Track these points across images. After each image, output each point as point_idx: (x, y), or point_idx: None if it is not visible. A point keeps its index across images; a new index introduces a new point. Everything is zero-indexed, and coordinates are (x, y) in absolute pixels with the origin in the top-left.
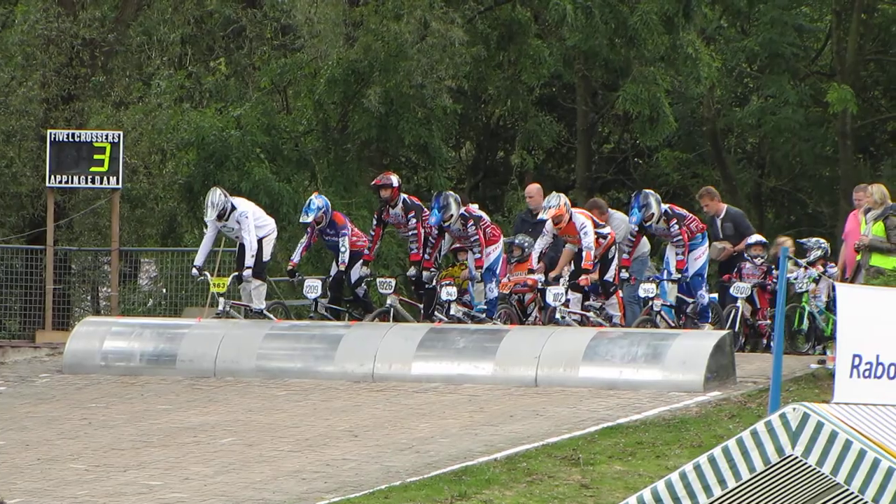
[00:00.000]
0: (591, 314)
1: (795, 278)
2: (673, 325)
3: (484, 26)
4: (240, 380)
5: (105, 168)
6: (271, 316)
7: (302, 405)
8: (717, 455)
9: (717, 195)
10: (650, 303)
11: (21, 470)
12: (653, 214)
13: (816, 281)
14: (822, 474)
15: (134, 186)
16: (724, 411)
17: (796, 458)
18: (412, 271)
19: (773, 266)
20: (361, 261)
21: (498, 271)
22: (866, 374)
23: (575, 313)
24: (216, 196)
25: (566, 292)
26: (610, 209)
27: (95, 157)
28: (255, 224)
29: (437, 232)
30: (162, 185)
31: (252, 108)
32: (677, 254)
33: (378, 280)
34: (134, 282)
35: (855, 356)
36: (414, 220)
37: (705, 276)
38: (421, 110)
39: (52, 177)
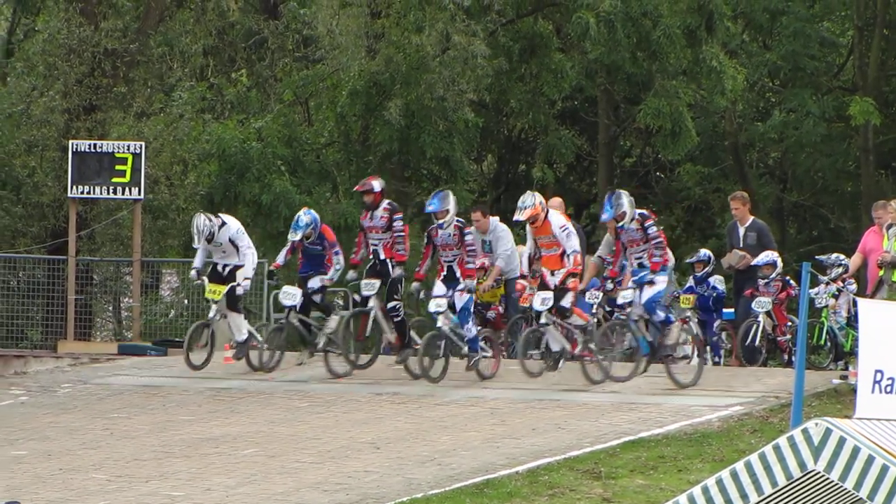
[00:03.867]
0: (576, 328)
1: (816, 294)
2: (699, 340)
3: (506, 39)
4: (262, 391)
5: (127, 179)
6: (257, 340)
7: (324, 416)
8: (739, 469)
9: (748, 203)
10: (627, 310)
11: (43, 479)
12: (624, 213)
13: (836, 297)
14: (845, 489)
15: (156, 197)
16: (746, 426)
17: (819, 472)
18: (398, 272)
19: (791, 280)
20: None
21: (471, 310)
22: (888, 389)
23: (560, 323)
24: (200, 221)
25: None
26: None
27: (117, 167)
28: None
29: (426, 241)
30: (184, 196)
31: (273, 120)
32: (654, 255)
33: (362, 282)
34: (156, 293)
35: (877, 371)
36: (399, 223)
37: (661, 302)
38: (442, 123)
39: (74, 187)
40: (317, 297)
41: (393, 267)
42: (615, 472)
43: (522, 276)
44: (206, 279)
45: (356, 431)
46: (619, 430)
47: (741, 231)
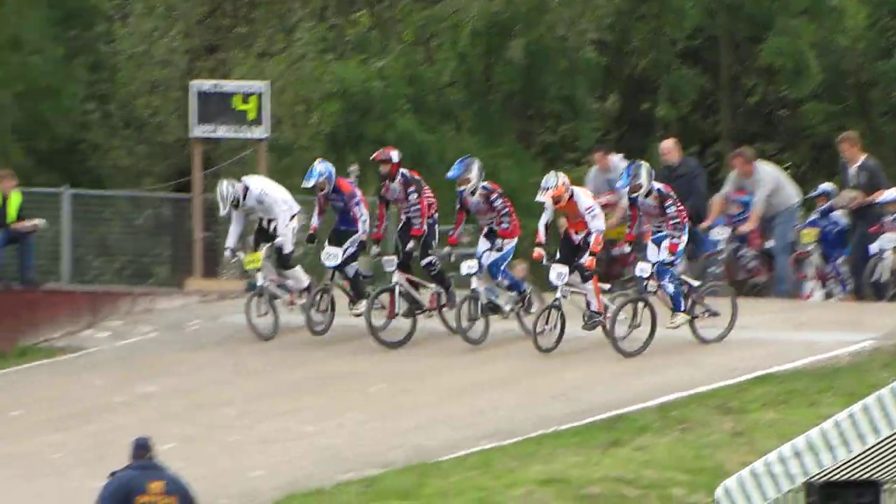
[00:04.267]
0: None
1: None
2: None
3: None
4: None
5: (251, 118)
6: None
7: (451, 353)
8: (870, 404)
9: (859, 143)
10: (645, 283)
11: (173, 416)
12: (640, 185)
13: None
14: None
15: (279, 136)
16: (876, 361)
17: None
18: (411, 245)
19: None
20: (360, 242)
21: (502, 266)
22: None
23: (578, 292)
24: (223, 188)
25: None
26: (757, 161)
27: (240, 107)
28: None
29: (458, 206)
30: (307, 136)
31: (395, 60)
32: (668, 237)
33: (383, 259)
34: None
35: None
36: (415, 195)
37: (676, 268)
38: (564, 62)
39: (197, 127)
40: (349, 270)
41: (411, 238)
42: (746, 407)
43: (539, 244)
44: (241, 254)
45: (485, 368)
46: (749, 365)
47: (851, 171)
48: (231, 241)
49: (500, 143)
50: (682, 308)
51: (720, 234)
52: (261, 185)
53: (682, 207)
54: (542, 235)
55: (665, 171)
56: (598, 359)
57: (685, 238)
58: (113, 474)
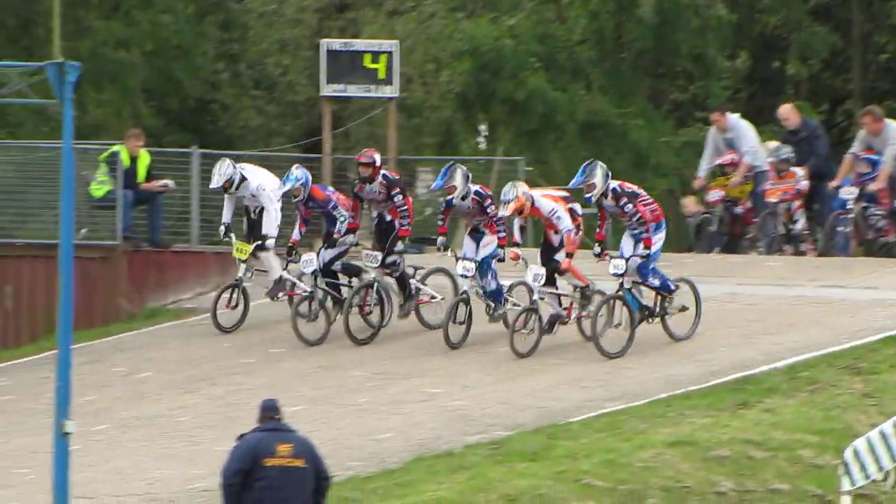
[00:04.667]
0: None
1: None
2: (635, 312)
3: None
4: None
5: (380, 77)
6: (291, 282)
7: None
8: None
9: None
10: (620, 280)
11: (303, 377)
12: (594, 185)
13: None
14: None
15: (409, 96)
16: None
17: None
18: (400, 246)
19: None
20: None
21: (492, 264)
22: None
23: (554, 293)
24: (224, 166)
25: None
26: (886, 119)
27: (370, 66)
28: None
29: (445, 206)
30: (437, 95)
31: (526, 18)
32: (642, 233)
33: (364, 252)
34: (412, 190)
35: None
36: (400, 196)
37: (653, 265)
38: (695, 20)
39: (327, 86)
40: (336, 266)
41: (396, 238)
42: (876, 368)
43: (515, 244)
44: (233, 235)
45: None
46: (878, 325)
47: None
48: (226, 215)
49: (631, 102)
50: (671, 288)
51: (849, 193)
52: (258, 179)
53: (648, 202)
54: (517, 236)
55: (786, 135)
56: (725, 321)
57: (661, 234)
58: (241, 437)
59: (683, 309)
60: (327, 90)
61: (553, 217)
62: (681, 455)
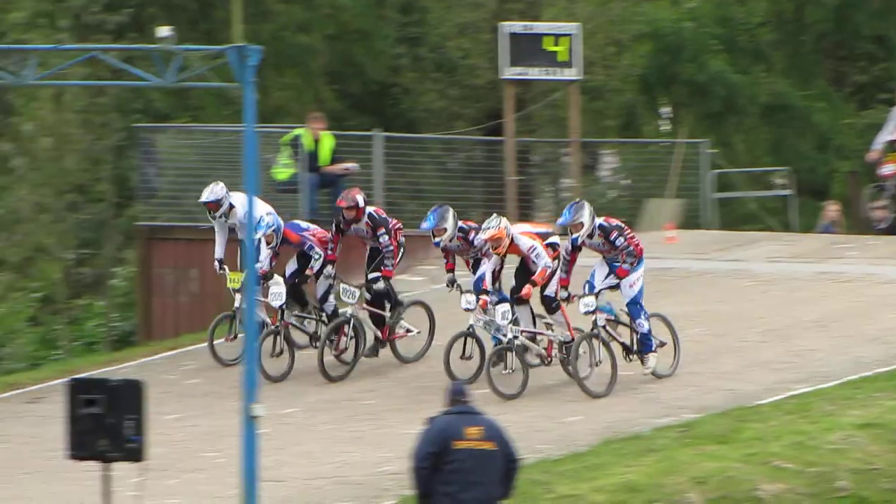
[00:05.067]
0: (547, 331)
1: None
2: (620, 340)
3: None
4: (705, 271)
5: (561, 60)
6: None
7: (768, 296)
8: None
9: None
10: (593, 318)
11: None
12: (580, 224)
13: None
14: None
15: (591, 78)
16: None
17: None
18: (381, 285)
19: None
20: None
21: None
22: None
23: (527, 331)
24: (217, 188)
25: (512, 310)
26: None
27: (552, 48)
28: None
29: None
30: (619, 77)
31: (706, 1)
32: (623, 262)
33: (342, 287)
34: (594, 173)
35: None
36: (386, 237)
37: (643, 303)
38: (878, 0)
39: (508, 69)
40: (328, 306)
41: (379, 279)
42: None
43: (485, 292)
44: (227, 268)
45: (801, 310)
46: None
47: None
48: (218, 251)
49: (813, 85)
50: (653, 348)
51: None
52: (244, 211)
53: (633, 234)
54: (488, 282)
55: None
56: None
57: (642, 269)
58: (431, 420)
59: (661, 344)
60: (508, 73)
61: (532, 254)
62: (870, 437)
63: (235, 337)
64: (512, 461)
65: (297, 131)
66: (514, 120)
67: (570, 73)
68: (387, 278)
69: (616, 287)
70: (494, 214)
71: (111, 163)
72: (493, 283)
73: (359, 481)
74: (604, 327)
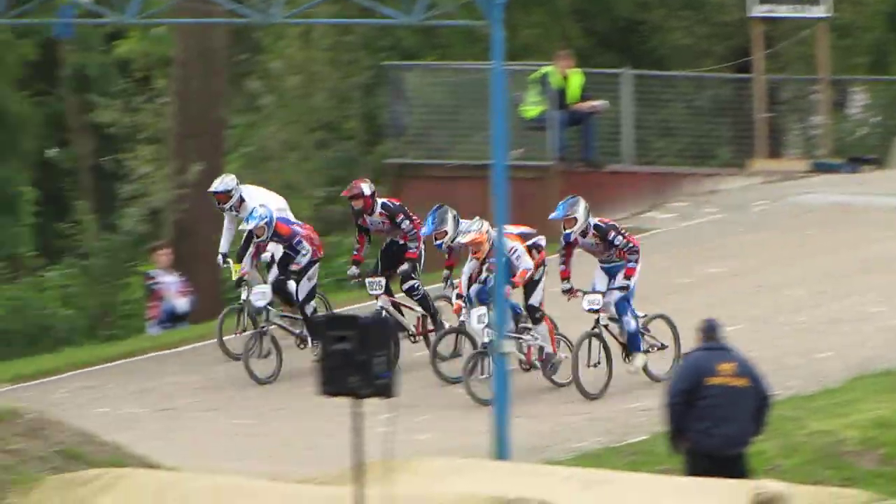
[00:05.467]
0: (526, 336)
1: None
2: (621, 340)
3: None
4: None
5: None
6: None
7: None
8: None
9: None
10: (597, 316)
11: (739, 297)
12: (574, 220)
13: None
14: None
15: (839, 16)
16: None
17: None
18: (405, 267)
19: None
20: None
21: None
22: None
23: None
24: (228, 179)
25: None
26: None
27: None
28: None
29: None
30: (867, 15)
31: None
32: (618, 266)
33: (367, 280)
34: (843, 110)
35: None
36: (407, 222)
37: (632, 300)
38: None
39: (757, 7)
40: (307, 309)
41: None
42: None
43: (459, 296)
44: (231, 261)
45: None
46: None
47: None
48: (224, 245)
49: None
50: (641, 348)
51: None
52: (255, 202)
53: (628, 232)
54: (463, 287)
55: None
56: None
57: (639, 266)
58: (685, 356)
59: (662, 347)
60: (757, 11)
61: (513, 257)
62: None
63: (244, 330)
64: (764, 398)
65: (545, 69)
66: (763, 58)
67: (819, 11)
68: (412, 260)
69: (626, 288)
70: (477, 217)
71: (360, 101)
72: (470, 287)
73: (609, 417)
74: (605, 326)
